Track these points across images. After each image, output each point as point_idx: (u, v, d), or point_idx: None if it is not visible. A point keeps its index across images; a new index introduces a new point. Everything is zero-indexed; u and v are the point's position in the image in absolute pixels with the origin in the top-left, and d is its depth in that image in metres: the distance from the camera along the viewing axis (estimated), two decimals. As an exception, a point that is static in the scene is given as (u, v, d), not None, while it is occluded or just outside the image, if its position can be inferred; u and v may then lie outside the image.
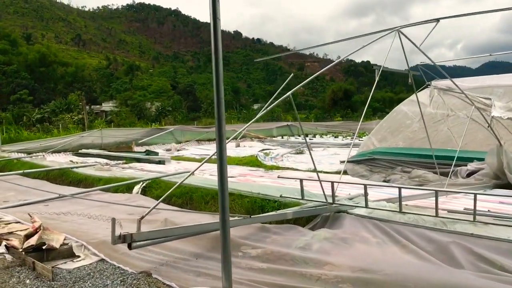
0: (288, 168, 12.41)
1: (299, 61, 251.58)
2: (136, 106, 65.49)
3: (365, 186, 5.66)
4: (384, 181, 9.64)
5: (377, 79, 6.73)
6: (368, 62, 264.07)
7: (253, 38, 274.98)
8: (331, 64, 6.65)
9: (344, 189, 8.11)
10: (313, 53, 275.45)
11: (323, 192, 5.90)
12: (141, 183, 8.91)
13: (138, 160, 14.74)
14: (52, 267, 4.54)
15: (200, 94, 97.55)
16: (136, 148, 19.09)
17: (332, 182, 5.93)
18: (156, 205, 4.55)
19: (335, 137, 24.26)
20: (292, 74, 19.44)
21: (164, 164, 13.97)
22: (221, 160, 2.96)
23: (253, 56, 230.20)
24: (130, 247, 4.27)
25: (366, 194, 5.68)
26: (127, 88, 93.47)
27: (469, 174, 9.13)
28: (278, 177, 6.25)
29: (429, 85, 13.30)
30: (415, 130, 11.50)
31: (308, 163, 13.67)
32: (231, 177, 10.77)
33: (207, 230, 4.92)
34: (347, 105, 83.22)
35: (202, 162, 5.04)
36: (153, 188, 8.79)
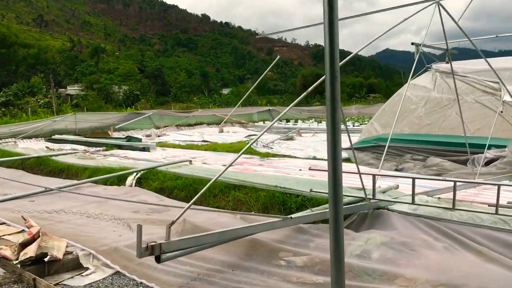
0: (285, 156, 11.66)
1: (268, 46, 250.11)
2: (103, 90, 63.43)
3: (413, 179, 4.95)
4: (396, 170, 9.02)
5: (416, 57, 5.95)
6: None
7: (221, 21, 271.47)
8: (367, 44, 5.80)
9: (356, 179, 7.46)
10: (282, 37, 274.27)
11: (363, 186, 5.17)
12: (135, 173, 8.00)
13: (120, 146, 13.71)
14: (57, 283, 3.66)
15: (169, 78, 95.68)
16: (114, 134, 17.96)
17: (374, 175, 5.19)
18: (188, 207, 3.72)
19: (318, 122, 23.67)
20: (278, 57, 18.74)
21: (149, 151, 13.00)
22: (335, 147, 2.16)
23: (221, 40, 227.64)
24: (159, 260, 3.43)
25: (413, 188, 4.97)
26: (93, 71, 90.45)
27: (488, 163, 8.59)
28: (310, 169, 5.44)
29: (429, 68, 12.74)
30: (421, 116, 10.92)
31: (304, 149, 12.98)
32: (225, 165, 9.95)
33: (243, 235, 4.13)
34: (318, 90, 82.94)
35: (240, 153, 4.19)
36: (149, 179, 7.88)
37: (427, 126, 10.55)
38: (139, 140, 14.66)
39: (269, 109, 27.02)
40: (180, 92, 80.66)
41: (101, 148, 13.68)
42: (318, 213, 4.70)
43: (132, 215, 5.37)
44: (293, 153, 12.05)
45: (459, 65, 12.36)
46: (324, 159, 10.75)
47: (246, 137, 17.01)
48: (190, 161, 8.79)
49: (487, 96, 10.83)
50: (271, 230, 4.30)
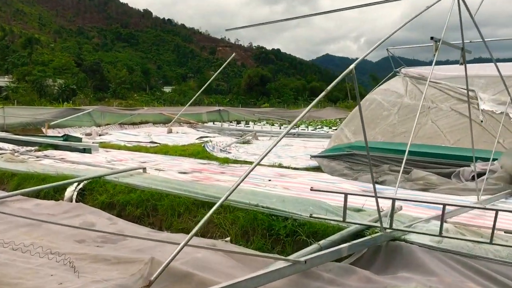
0: (246, 162, 10.53)
1: (211, 45, 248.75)
2: (36, 83, 59.61)
3: (444, 206, 3.94)
4: (376, 182, 8.09)
5: (436, 54, 4.99)
6: (278, 49, 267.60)
7: (163, 18, 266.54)
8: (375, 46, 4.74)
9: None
10: (225, 37, 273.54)
11: (379, 212, 4.11)
12: (77, 184, 6.56)
13: (56, 147, 12.03)
14: None
15: (108, 73, 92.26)
16: (48, 132, 16.07)
17: (393, 199, 4.14)
18: (180, 249, 2.51)
19: (271, 125, 22.70)
20: (234, 54, 17.62)
21: (90, 153, 11.44)
22: None
23: (164, 37, 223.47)
24: None
25: (443, 215, 3.95)
26: (25, 63, 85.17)
27: (473, 177, 7.85)
28: (311, 189, 4.29)
29: (398, 73, 12.06)
30: (394, 123, 10.13)
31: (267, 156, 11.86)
32: (183, 172, 8.71)
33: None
34: (262, 91, 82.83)
35: (266, 151, 3.03)
36: (95, 191, 6.48)
37: (402, 134, 9.76)
38: (79, 139, 13.00)
39: (219, 109, 25.75)
40: (119, 88, 77.80)
41: (33, 148, 11.97)
42: (332, 251, 3.58)
43: (76, 246, 4.02)
44: (255, 159, 10.90)
45: (429, 71, 11.76)
46: (290, 168, 9.74)
47: (197, 139, 15.73)
48: (144, 169, 7.44)
49: (463, 104, 10.21)
50: (278, 280, 3.14)
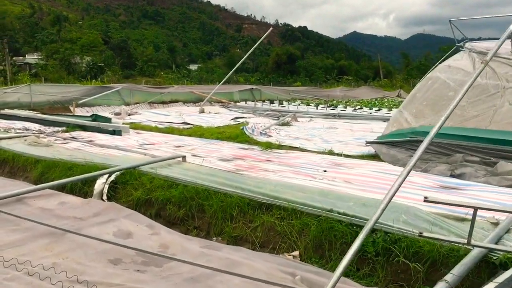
0: (292, 148, 9.44)
1: (237, 23, 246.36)
2: (64, 60, 59.41)
3: None
4: (452, 175, 6.93)
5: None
6: (305, 27, 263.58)
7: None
8: None
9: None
10: (251, 15, 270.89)
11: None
12: (108, 175, 5.60)
13: (84, 127, 11.16)
14: None
15: (135, 51, 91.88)
16: (76, 111, 15.26)
17: (474, 209, 3.00)
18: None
19: (306, 105, 21.48)
20: (271, 28, 16.41)
21: (120, 135, 10.53)
22: None
23: (189, 14, 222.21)
24: None
25: None
26: (54, 40, 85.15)
27: None
28: (425, 200, 3.17)
29: (462, 48, 10.69)
30: (463, 105, 8.82)
31: (310, 139, 10.79)
32: (224, 160, 7.68)
33: None
34: (290, 70, 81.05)
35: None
36: (129, 184, 5.51)
37: (474, 118, 8.49)
38: (108, 120, 12.09)
39: (252, 88, 24.57)
40: (146, 66, 77.45)
41: (60, 129, 11.13)
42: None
43: (110, 271, 3.02)
44: (301, 144, 9.83)
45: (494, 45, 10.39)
46: (343, 155, 8.62)
47: (232, 119, 14.67)
48: (184, 157, 6.43)
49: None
50: None
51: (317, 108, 19.52)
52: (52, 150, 7.36)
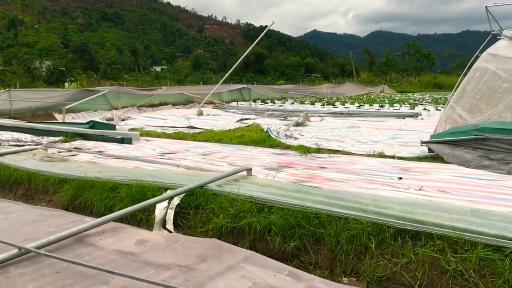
0: (332, 151, 8.42)
1: (198, 23, 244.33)
2: (23, 65, 56.66)
3: None
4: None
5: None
6: (266, 26, 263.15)
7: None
8: None
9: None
10: (212, 15, 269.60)
11: None
12: (169, 200, 4.42)
13: (85, 136, 9.82)
14: None
15: (96, 54, 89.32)
16: (66, 117, 13.73)
17: None
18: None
19: (300, 103, 20.51)
20: (273, 22, 15.46)
21: (131, 143, 9.26)
22: None
23: (150, 16, 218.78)
24: None
25: None
26: (11, 44, 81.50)
27: None
28: None
29: (500, 36, 9.95)
30: (524, 97, 8.05)
31: (341, 139, 9.80)
32: (269, 168, 6.62)
33: None
34: (259, 69, 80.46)
35: None
36: (200, 208, 4.36)
37: (539, 111, 7.71)
38: (111, 127, 10.75)
39: (243, 87, 23.38)
40: (110, 69, 75.12)
41: (56, 139, 9.76)
42: None
43: None
44: (340, 146, 8.84)
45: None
46: (397, 157, 7.67)
47: (238, 121, 13.53)
48: (249, 170, 5.30)
49: None
50: None
51: (314, 106, 18.60)
52: (73, 166, 6.09)
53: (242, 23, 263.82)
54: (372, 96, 28.50)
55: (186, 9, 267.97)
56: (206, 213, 4.28)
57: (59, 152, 8.13)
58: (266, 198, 4.22)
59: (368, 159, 7.55)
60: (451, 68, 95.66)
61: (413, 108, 17.15)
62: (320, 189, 4.67)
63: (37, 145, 9.10)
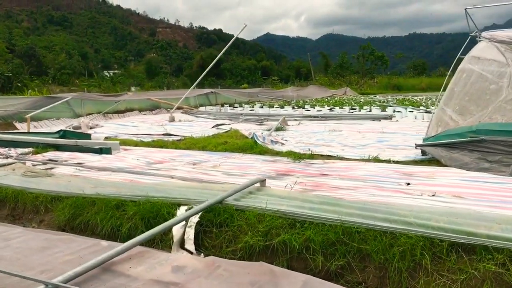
0: (323, 156, 8.21)
1: (150, 26, 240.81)
2: (-35, 71, 53.77)
3: None
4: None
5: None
6: (220, 30, 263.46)
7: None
8: None
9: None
10: (164, 18, 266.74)
11: None
12: (186, 221, 4.05)
13: (57, 147, 9.19)
14: None
15: (44, 59, 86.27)
16: (23, 127, 12.88)
17: None
18: None
19: (269, 107, 20.29)
20: (245, 25, 15.16)
21: (110, 153, 8.72)
22: None
23: (99, 19, 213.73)
24: None
25: None
26: (-49, 50, 77.34)
27: None
28: None
29: (479, 38, 10.07)
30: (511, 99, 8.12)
31: (330, 145, 9.62)
32: (270, 177, 6.34)
33: None
34: (216, 73, 79.93)
35: None
36: (225, 225, 4.01)
37: (528, 112, 7.79)
38: (86, 136, 10.12)
39: (211, 92, 22.88)
40: (60, 74, 72.53)
41: (26, 150, 9.09)
42: None
43: None
44: (331, 151, 8.65)
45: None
46: (393, 161, 7.57)
47: (214, 127, 13.14)
48: (263, 181, 4.98)
49: None
50: None
51: (285, 110, 18.43)
52: (62, 181, 5.58)
53: (195, 27, 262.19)
54: (336, 98, 28.71)
55: (137, 12, 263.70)
56: (232, 230, 3.94)
57: (33, 165, 7.52)
58: (296, 213, 3.92)
59: (365, 164, 7.38)
60: (401, 70, 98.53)
61: (384, 110, 17.30)
62: (346, 200, 4.42)
63: (6, 157, 8.45)
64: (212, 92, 22.92)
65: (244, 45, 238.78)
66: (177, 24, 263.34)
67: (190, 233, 4.00)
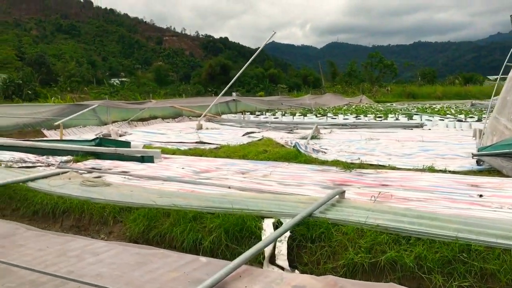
0: (372, 166, 7.98)
1: (157, 35, 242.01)
2: (-23, 79, 53.98)
3: None
4: None
5: None
6: (226, 38, 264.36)
7: (105, 8, 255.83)
8: None
9: None
10: (171, 27, 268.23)
11: None
12: (283, 236, 3.82)
13: (98, 155, 9.00)
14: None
15: (54, 66, 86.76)
16: (51, 134, 12.74)
17: None
18: None
19: (292, 115, 20.10)
20: (274, 32, 15.01)
21: (153, 161, 8.53)
22: None
23: (107, 28, 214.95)
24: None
25: None
26: (-37, 57, 77.78)
27: None
28: None
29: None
30: None
31: (372, 154, 9.38)
32: (328, 187, 6.15)
33: None
34: (224, 81, 79.94)
35: None
36: (322, 240, 3.78)
37: None
38: (126, 144, 9.93)
39: (233, 100, 22.78)
40: (69, 81, 72.76)
41: (65, 158, 8.92)
42: None
43: None
44: (378, 160, 8.42)
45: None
46: (448, 171, 7.32)
47: (244, 135, 12.96)
48: (343, 193, 4.75)
49: None
50: None
51: (310, 118, 18.26)
52: (125, 191, 5.37)
53: (202, 35, 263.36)
54: (354, 106, 28.50)
55: (144, 20, 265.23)
56: (329, 245, 3.71)
57: (80, 173, 7.33)
58: (403, 228, 3.68)
59: (421, 174, 7.14)
60: (406, 78, 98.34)
61: (411, 118, 17.08)
62: (442, 214, 4.18)
63: (48, 165, 8.29)
64: (233, 100, 22.79)
65: (250, 54, 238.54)
66: (183, 32, 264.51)
67: (282, 248, 3.78)
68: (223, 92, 17.45)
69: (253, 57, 17.31)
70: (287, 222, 3.84)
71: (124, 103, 18.55)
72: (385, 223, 3.78)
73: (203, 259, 3.40)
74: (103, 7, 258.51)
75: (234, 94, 27.96)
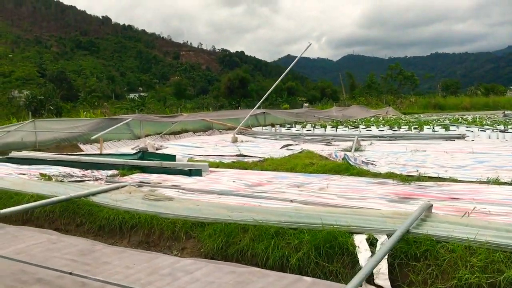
0: (431, 178, 7.68)
1: (174, 50, 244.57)
2: (2, 95, 54.84)
3: None
4: None
5: None
6: (242, 52, 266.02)
7: (124, 24, 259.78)
8: None
9: None
10: (187, 42, 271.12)
11: None
12: (372, 252, 3.57)
13: (143, 169, 8.85)
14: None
15: (74, 82, 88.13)
16: (87, 148, 12.66)
17: None
18: None
19: (323, 127, 19.84)
20: (309, 43, 14.85)
21: (201, 175, 8.34)
22: None
23: (125, 43, 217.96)
24: None
25: None
26: (-13, 75, 79.26)
27: None
28: None
29: None
30: None
31: (423, 166, 9.06)
32: (397, 201, 5.88)
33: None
34: (243, 94, 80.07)
35: None
36: (427, 257, 3.51)
37: None
38: (171, 157, 9.78)
39: (263, 112, 22.67)
40: (90, 96, 73.62)
41: (110, 172, 8.79)
42: None
43: None
44: (436, 172, 8.13)
45: None
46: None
47: (283, 147, 12.73)
48: (431, 206, 4.47)
49: None
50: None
51: (343, 130, 18.01)
52: (192, 205, 5.16)
53: (218, 49, 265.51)
54: (381, 117, 28.16)
55: (161, 36, 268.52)
56: (437, 264, 3.43)
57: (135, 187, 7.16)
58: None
59: (488, 187, 6.83)
60: (423, 90, 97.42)
61: (448, 129, 16.71)
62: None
63: (96, 180, 8.16)
64: (263, 112, 22.67)
65: (266, 67, 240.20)
66: (200, 47, 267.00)
67: (382, 266, 3.51)
68: (258, 105, 17.34)
69: (288, 68, 17.32)
70: (389, 239, 3.58)
71: (156, 116, 18.49)
72: (496, 240, 3.50)
73: (307, 279, 3.16)
74: (121, 23, 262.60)
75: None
